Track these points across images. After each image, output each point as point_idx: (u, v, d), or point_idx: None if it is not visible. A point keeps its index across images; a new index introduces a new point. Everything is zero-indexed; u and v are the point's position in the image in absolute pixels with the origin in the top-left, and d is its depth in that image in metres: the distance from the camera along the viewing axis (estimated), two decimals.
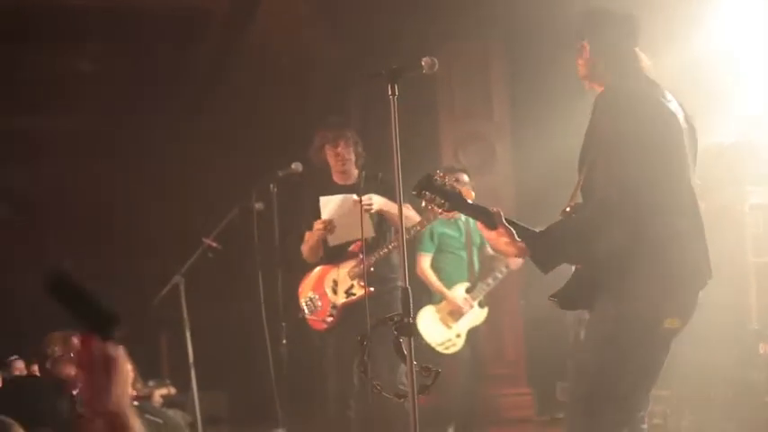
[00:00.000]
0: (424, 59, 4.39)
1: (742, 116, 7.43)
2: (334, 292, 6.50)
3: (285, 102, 8.93)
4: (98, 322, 2.20)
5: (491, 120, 9.48)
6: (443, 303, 7.83)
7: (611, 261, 4.07)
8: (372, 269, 6.28)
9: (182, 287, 7.32)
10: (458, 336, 7.77)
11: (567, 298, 4.30)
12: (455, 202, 4.37)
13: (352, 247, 6.45)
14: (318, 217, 6.42)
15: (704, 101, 7.31)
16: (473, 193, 4.79)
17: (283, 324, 6.45)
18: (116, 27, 8.86)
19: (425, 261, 7.91)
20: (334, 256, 6.55)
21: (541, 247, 4.15)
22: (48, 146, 9.34)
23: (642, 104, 4.15)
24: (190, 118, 9.46)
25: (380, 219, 6.40)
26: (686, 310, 4.11)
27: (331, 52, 9.16)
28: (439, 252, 7.94)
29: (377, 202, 6.29)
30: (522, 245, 4.19)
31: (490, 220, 4.27)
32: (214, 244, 7.28)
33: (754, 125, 7.33)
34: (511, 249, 4.25)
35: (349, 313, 6.42)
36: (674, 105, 4.19)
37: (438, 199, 4.36)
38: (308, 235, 6.54)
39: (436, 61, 4.41)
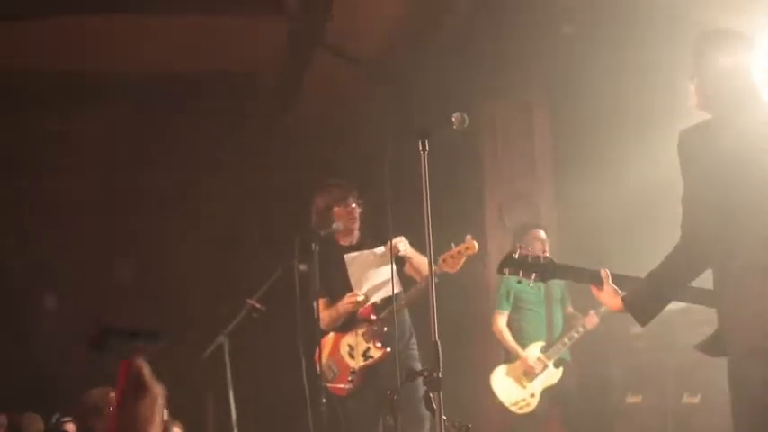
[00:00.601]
0: (455, 116, 4.48)
1: None
2: (351, 356, 6.54)
3: (329, 162, 9.03)
4: (142, 337, 2.30)
5: (535, 178, 9.50)
6: (518, 363, 7.87)
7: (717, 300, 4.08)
8: (386, 329, 6.32)
9: (226, 347, 7.37)
10: (532, 396, 7.80)
11: (710, 345, 4.28)
12: (548, 271, 4.50)
13: (360, 313, 6.51)
14: (333, 281, 6.48)
15: None
16: None
17: (323, 384, 6.44)
18: (162, 91, 9.06)
19: (501, 320, 7.96)
20: (344, 322, 6.61)
21: (636, 300, 4.22)
22: (85, 206, 9.49)
23: (724, 140, 4.08)
24: (237, 174, 9.58)
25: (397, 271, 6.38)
26: None
27: (377, 111, 9.25)
28: (516, 310, 7.99)
29: (405, 245, 6.33)
30: (620, 303, 4.28)
31: (596, 281, 4.36)
32: (258, 305, 7.31)
33: None
34: (615, 306, 4.32)
35: (368, 376, 6.47)
36: None
37: (525, 272, 4.47)
38: (322, 304, 6.50)
39: (466, 117, 4.50)
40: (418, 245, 6.24)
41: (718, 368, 7.59)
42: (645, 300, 4.20)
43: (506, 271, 4.50)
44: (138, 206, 9.60)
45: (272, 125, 9.89)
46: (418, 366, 6.22)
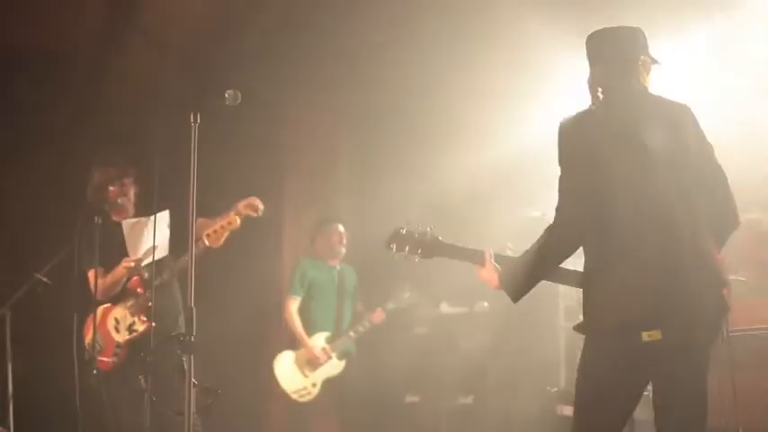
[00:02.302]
0: (228, 92, 4.59)
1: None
2: (117, 330, 6.57)
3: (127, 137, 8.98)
4: None
5: (335, 176, 9.82)
6: (302, 351, 8.00)
7: (583, 282, 4.23)
8: (150, 304, 6.32)
9: (7, 320, 7.29)
10: (313, 385, 7.94)
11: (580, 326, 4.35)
12: (431, 248, 4.56)
13: (129, 284, 6.57)
14: (110, 251, 6.45)
15: None
16: None
17: (93, 356, 6.42)
18: None
19: (293, 305, 8.11)
20: (115, 295, 6.64)
21: (509, 277, 4.36)
22: None
23: (583, 131, 4.24)
24: (38, 148, 9.45)
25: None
26: (666, 320, 4.00)
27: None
28: (308, 297, 8.13)
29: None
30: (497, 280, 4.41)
31: (478, 260, 4.47)
32: (44, 279, 7.26)
33: None
34: (493, 284, 4.45)
35: (133, 350, 6.47)
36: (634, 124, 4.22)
37: (411, 248, 4.54)
38: (92, 274, 6.46)
39: (239, 94, 4.61)
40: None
41: (492, 371, 8.01)
42: (517, 278, 4.32)
43: (393, 246, 4.56)
44: None
45: (79, 105, 9.78)
46: None
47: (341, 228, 8.33)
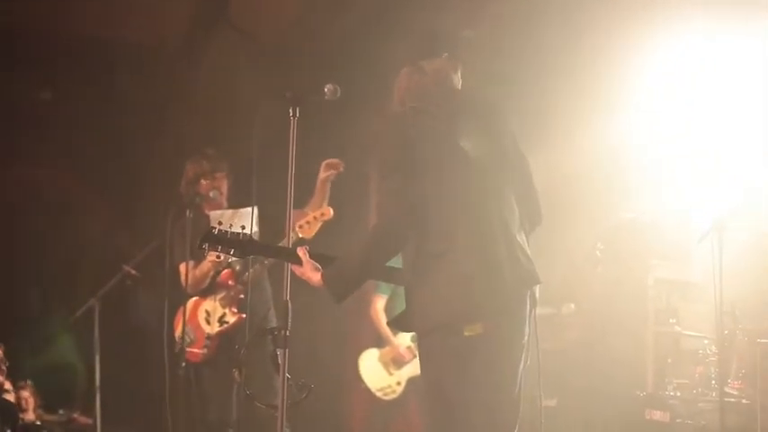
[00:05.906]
0: (327, 86, 4.57)
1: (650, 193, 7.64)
2: (208, 322, 6.59)
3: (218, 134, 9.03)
4: None
5: None
6: (388, 349, 7.93)
7: (405, 280, 4.26)
8: (242, 296, 6.39)
9: (96, 311, 7.38)
10: (398, 383, 7.85)
11: (400, 321, 4.41)
12: (244, 248, 4.55)
13: (220, 277, 6.59)
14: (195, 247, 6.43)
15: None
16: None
17: (183, 348, 6.47)
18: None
19: (379, 303, 7.99)
20: (206, 288, 6.66)
21: (334, 277, 4.29)
22: None
23: (405, 132, 4.19)
24: (124, 139, 9.55)
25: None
26: (489, 314, 4.04)
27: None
28: (395, 295, 7.96)
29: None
30: (320, 278, 4.34)
31: (295, 259, 4.42)
32: (133, 271, 7.34)
33: (660, 202, 7.56)
34: (316, 281, 4.36)
35: (223, 343, 6.52)
36: (467, 129, 4.23)
37: (224, 248, 4.52)
38: (183, 267, 6.55)
39: (338, 89, 4.59)
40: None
41: (577, 374, 7.90)
42: (343, 277, 4.29)
43: (206, 246, 4.55)
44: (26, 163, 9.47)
45: (166, 96, 9.87)
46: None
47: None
